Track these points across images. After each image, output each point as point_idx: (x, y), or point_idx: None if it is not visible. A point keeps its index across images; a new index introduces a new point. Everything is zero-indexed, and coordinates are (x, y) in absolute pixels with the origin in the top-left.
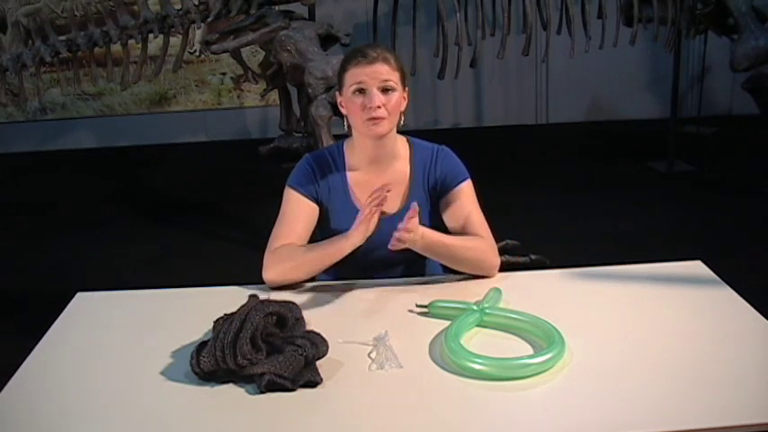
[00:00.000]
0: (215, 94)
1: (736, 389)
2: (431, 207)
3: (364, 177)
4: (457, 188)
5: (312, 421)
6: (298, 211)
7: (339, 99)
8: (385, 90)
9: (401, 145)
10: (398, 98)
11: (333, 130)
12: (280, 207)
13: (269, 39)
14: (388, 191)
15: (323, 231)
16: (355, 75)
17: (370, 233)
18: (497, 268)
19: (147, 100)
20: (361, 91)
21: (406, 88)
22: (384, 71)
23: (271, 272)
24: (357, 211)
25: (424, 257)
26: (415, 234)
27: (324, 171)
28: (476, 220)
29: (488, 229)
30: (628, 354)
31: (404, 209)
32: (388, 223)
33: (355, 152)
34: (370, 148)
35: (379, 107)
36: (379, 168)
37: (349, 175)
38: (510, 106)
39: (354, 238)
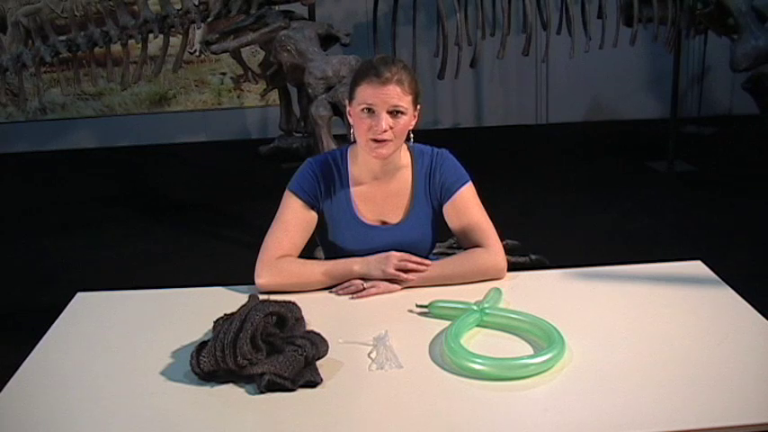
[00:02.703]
0: (215, 94)
1: (736, 389)
2: (433, 213)
3: (368, 190)
4: (458, 192)
5: (312, 421)
6: (297, 218)
7: (348, 109)
8: (394, 113)
9: (403, 154)
10: (407, 121)
11: (333, 130)
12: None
13: (269, 39)
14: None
15: (322, 239)
16: (366, 94)
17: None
18: (505, 270)
19: (147, 100)
20: (370, 111)
21: (419, 106)
22: (395, 95)
23: (264, 280)
24: (359, 223)
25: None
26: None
27: (327, 179)
28: (479, 224)
29: (493, 231)
30: (628, 354)
31: (407, 218)
32: (391, 233)
33: (359, 163)
34: (373, 163)
35: (385, 131)
36: (383, 181)
37: (352, 187)
38: (510, 106)
39: (359, 273)
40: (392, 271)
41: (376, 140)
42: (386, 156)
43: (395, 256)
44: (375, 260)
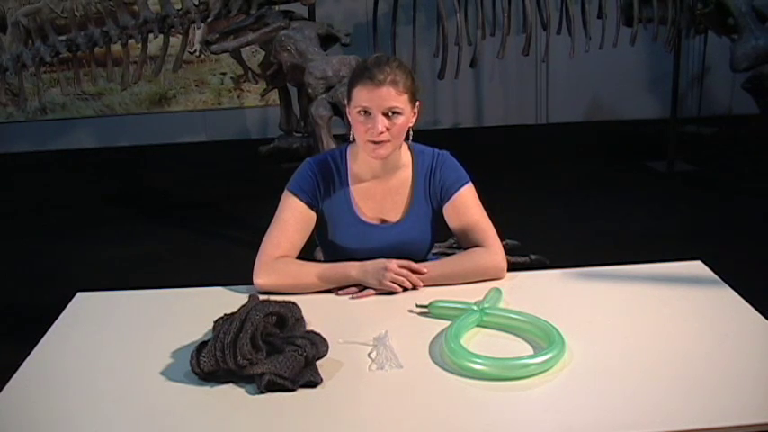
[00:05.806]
0: (215, 94)
1: (736, 389)
2: (432, 213)
3: (367, 188)
4: (458, 193)
5: (312, 421)
6: (296, 218)
7: (347, 109)
8: (390, 114)
9: (403, 153)
10: (405, 120)
11: (333, 130)
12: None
13: (269, 39)
14: None
15: (321, 238)
16: (361, 97)
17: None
18: (505, 270)
19: (147, 100)
20: (366, 113)
21: (418, 103)
22: (390, 96)
23: (263, 280)
24: (359, 221)
25: (425, 260)
26: None
27: (326, 179)
28: (479, 224)
29: (493, 231)
30: (628, 354)
31: (406, 217)
32: (390, 232)
33: (358, 161)
34: (373, 162)
35: (382, 132)
36: (383, 179)
37: (352, 185)
38: (510, 106)
39: (355, 279)
40: (388, 283)
41: (374, 142)
42: (384, 156)
43: (392, 267)
44: (372, 268)
